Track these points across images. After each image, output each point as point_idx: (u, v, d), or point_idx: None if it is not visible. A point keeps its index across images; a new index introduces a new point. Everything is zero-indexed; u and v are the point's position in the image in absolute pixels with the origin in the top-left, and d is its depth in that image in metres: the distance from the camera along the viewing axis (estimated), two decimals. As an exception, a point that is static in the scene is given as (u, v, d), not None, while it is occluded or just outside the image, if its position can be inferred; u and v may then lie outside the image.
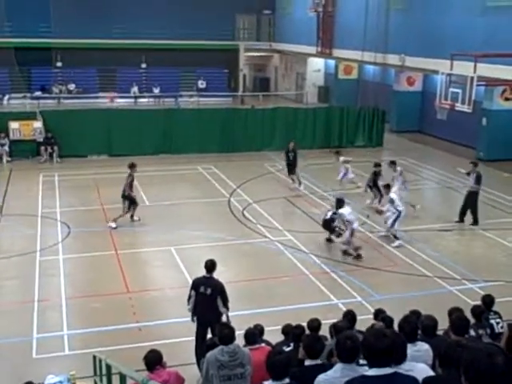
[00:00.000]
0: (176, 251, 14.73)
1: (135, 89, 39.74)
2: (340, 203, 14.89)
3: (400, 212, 15.35)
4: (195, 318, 9.49)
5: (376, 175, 18.39)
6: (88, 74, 39.49)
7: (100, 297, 12.34)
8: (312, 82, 41.30)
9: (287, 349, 6.80)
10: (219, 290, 9.35)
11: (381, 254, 14.92)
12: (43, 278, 13.21)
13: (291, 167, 20.22)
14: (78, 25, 36.82)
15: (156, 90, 40.01)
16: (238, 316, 10.11)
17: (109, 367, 7.10)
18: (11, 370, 9.74)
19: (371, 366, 4.17)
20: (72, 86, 39.23)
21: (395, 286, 13.19)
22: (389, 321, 7.42)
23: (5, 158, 23.93)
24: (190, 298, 9.48)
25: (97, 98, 38.49)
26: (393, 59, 28.34)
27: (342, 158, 19.99)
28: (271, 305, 11.87)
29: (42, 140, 24.31)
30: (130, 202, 16.52)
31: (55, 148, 24.13)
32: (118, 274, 13.47)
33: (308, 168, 22.26)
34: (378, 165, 18.70)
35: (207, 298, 9.29)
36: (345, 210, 14.35)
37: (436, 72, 22.57)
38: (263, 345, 7.28)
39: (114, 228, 16.21)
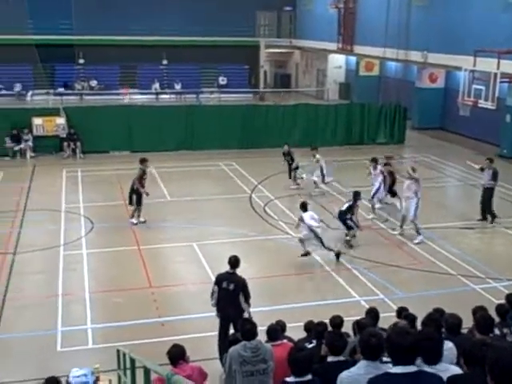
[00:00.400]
0: (198, 247, 14.82)
1: (156, 85, 39.89)
2: (357, 196, 15.04)
3: (419, 199, 15.26)
4: (219, 313, 9.56)
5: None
6: (110, 71, 39.74)
7: (123, 291, 12.46)
8: (333, 79, 41.13)
9: (309, 345, 6.81)
10: (242, 286, 9.40)
11: (403, 252, 14.86)
12: (67, 273, 13.39)
13: (290, 170, 20.11)
14: (99, 22, 37.05)
15: (177, 87, 40.13)
16: (260, 312, 10.16)
17: (133, 361, 7.15)
18: (36, 363, 9.89)
19: (395, 363, 4.18)
20: (94, 83, 39.49)
21: (418, 283, 13.11)
22: (412, 319, 7.40)
23: (28, 154, 24.22)
24: (213, 293, 9.54)
25: (118, 94, 38.71)
26: (415, 56, 28.14)
27: (318, 156, 19.42)
28: (293, 301, 11.89)
29: (64, 136, 24.59)
30: (138, 197, 16.37)
31: (78, 144, 24.37)
32: (141, 268, 13.59)
33: (330, 164, 22.19)
34: (387, 164, 17.99)
35: (230, 294, 9.34)
36: (306, 214, 13.89)
37: (459, 68, 22.42)
38: (285, 341, 7.30)
39: (135, 224, 16.31)
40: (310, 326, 7.95)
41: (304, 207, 14.05)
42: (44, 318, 11.36)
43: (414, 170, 15.53)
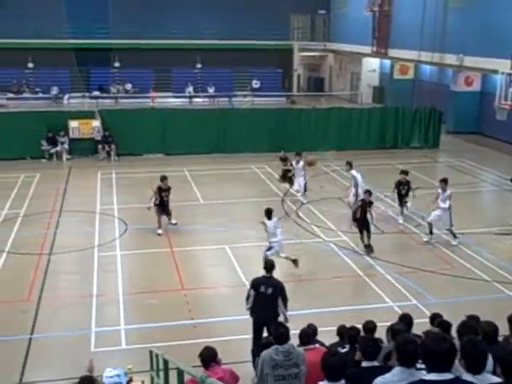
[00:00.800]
0: (230, 250, 14.87)
1: (190, 89, 40.16)
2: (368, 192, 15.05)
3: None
4: (253, 317, 9.54)
5: (401, 185, 16.91)
6: (144, 74, 40.15)
7: (156, 293, 12.55)
8: (367, 82, 40.87)
9: (342, 350, 6.78)
10: (280, 290, 9.39)
11: (436, 257, 14.68)
12: (101, 274, 13.55)
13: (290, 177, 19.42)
14: (135, 26, 37.54)
15: (211, 90, 40.33)
16: (291, 316, 10.09)
17: (166, 362, 7.20)
18: (70, 362, 9.99)
19: (430, 370, 4.12)
20: (129, 86, 39.95)
21: (452, 289, 12.93)
22: (446, 326, 7.27)
23: (64, 156, 24.60)
24: (248, 297, 9.53)
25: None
26: (450, 59, 27.78)
27: (302, 163, 18.67)
28: (324, 305, 11.83)
29: (100, 138, 24.92)
30: (158, 208, 15.97)
31: (113, 146, 24.67)
32: (173, 271, 13.68)
33: (362, 169, 21.99)
34: (404, 172, 17.17)
35: (268, 298, 9.32)
36: (270, 222, 13.27)
37: (495, 72, 22.06)
38: (317, 345, 7.26)
39: (159, 234, 15.91)
40: (342, 331, 7.90)
41: (269, 214, 13.34)
42: (78, 319, 11.51)
43: (446, 182, 15.32)
